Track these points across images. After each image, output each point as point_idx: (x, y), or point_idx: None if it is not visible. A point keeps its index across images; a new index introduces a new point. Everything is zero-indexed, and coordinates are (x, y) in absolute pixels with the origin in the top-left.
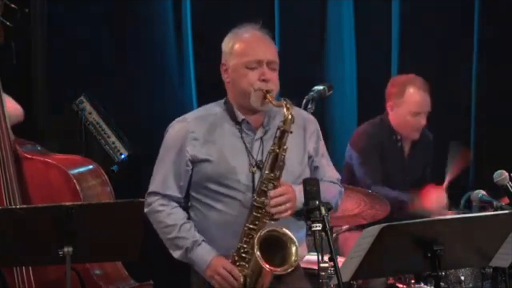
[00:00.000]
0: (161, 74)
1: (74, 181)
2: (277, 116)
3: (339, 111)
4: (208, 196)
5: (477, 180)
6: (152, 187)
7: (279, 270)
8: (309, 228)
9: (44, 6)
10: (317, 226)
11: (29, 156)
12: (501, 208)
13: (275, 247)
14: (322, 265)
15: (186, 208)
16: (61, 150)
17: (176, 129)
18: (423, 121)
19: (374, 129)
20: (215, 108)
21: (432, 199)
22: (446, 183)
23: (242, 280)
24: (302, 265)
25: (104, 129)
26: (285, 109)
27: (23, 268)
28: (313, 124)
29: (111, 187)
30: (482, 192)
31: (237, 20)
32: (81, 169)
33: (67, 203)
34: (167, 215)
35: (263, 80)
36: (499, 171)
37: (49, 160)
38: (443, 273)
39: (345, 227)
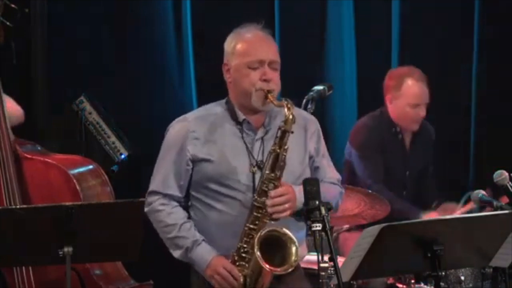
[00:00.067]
0: (161, 74)
1: (74, 181)
2: (278, 116)
3: (339, 111)
4: (208, 196)
5: (477, 180)
6: (152, 187)
7: (279, 270)
8: (309, 228)
9: (44, 6)
10: (317, 226)
11: (29, 156)
12: (501, 208)
13: (275, 247)
14: (322, 265)
15: (186, 208)
16: (61, 150)
17: (176, 128)
18: (422, 112)
19: (374, 122)
20: (216, 108)
21: None
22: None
23: (242, 280)
24: (302, 265)
25: (104, 129)
26: (286, 109)
27: (23, 268)
28: (314, 125)
29: (111, 187)
30: (482, 192)
31: (237, 20)
32: (81, 169)
33: (67, 203)
34: (167, 215)
35: (265, 80)
36: (499, 171)
37: (49, 160)
38: (443, 273)
39: (345, 226)
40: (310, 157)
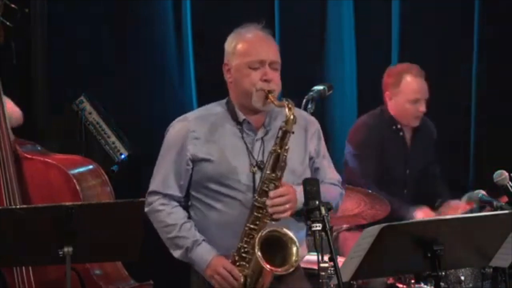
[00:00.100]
0: (161, 74)
1: (74, 181)
2: (278, 117)
3: (339, 111)
4: (209, 196)
5: (477, 180)
6: (152, 186)
7: (279, 270)
8: (309, 228)
9: (44, 6)
10: (317, 226)
11: (29, 156)
12: (501, 208)
13: (275, 247)
14: (322, 265)
15: (186, 208)
16: (61, 150)
17: (177, 128)
18: (422, 107)
19: (375, 120)
20: (216, 108)
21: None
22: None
23: (242, 280)
24: (302, 265)
25: (104, 129)
26: (287, 110)
27: (23, 268)
28: (314, 125)
29: (111, 187)
30: (482, 192)
31: (237, 20)
32: (81, 169)
33: (67, 203)
34: (168, 215)
35: (265, 80)
36: (499, 171)
37: (49, 160)
38: (443, 273)
39: (345, 226)
40: (310, 158)
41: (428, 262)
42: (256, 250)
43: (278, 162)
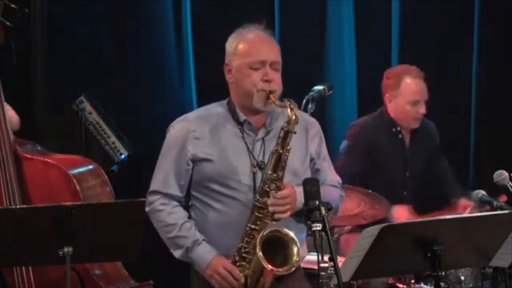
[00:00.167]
0: (161, 74)
1: (74, 181)
2: (279, 117)
3: (339, 111)
4: (209, 196)
5: (477, 180)
6: (153, 186)
7: (281, 271)
8: (309, 228)
9: (44, 6)
10: (317, 226)
11: (29, 156)
12: (501, 208)
13: (276, 247)
14: (322, 265)
15: (186, 208)
16: (61, 150)
17: (177, 128)
18: (421, 109)
19: (374, 121)
20: (217, 108)
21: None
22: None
23: (243, 280)
24: (302, 265)
25: (104, 129)
26: (289, 110)
27: (23, 268)
28: (315, 127)
29: (111, 187)
30: (482, 192)
31: (237, 20)
32: (81, 169)
33: (67, 203)
34: (168, 214)
35: (266, 81)
36: (499, 171)
37: (49, 160)
38: (443, 273)
39: (346, 228)
40: (311, 159)
41: (428, 262)
42: (258, 250)
43: (279, 162)
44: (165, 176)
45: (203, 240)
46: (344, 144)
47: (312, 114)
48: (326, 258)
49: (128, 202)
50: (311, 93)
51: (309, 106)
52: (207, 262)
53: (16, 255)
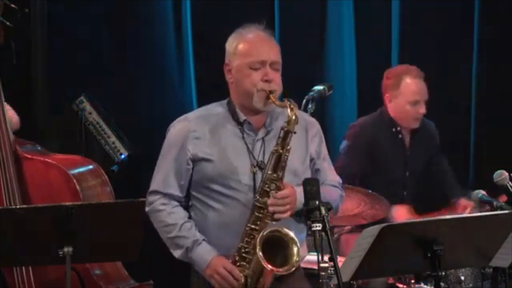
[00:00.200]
0: (161, 74)
1: (74, 181)
2: (279, 117)
3: (339, 111)
4: (209, 196)
5: (477, 180)
6: (153, 186)
7: (281, 271)
8: (309, 228)
9: (44, 6)
10: (317, 226)
11: (29, 156)
12: (501, 208)
13: (277, 247)
14: (322, 265)
15: (186, 208)
16: (61, 150)
17: (177, 128)
18: (421, 109)
19: (374, 121)
20: (217, 108)
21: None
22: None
23: (243, 280)
24: (302, 265)
25: (104, 129)
26: (289, 110)
27: (23, 268)
28: (315, 127)
29: (111, 187)
30: (482, 192)
31: (237, 20)
32: (81, 169)
33: (67, 203)
34: (168, 214)
35: (266, 81)
36: (499, 171)
37: (49, 160)
38: (443, 273)
39: (346, 228)
40: (311, 159)
41: (428, 262)
42: (258, 250)
43: (279, 162)
44: (165, 176)
45: (203, 240)
46: (344, 144)
47: (312, 114)
48: (326, 258)
49: (128, 202)
50: (311, 93)
51: (309, 106)
52: (207, 262)
53: (16, 255)
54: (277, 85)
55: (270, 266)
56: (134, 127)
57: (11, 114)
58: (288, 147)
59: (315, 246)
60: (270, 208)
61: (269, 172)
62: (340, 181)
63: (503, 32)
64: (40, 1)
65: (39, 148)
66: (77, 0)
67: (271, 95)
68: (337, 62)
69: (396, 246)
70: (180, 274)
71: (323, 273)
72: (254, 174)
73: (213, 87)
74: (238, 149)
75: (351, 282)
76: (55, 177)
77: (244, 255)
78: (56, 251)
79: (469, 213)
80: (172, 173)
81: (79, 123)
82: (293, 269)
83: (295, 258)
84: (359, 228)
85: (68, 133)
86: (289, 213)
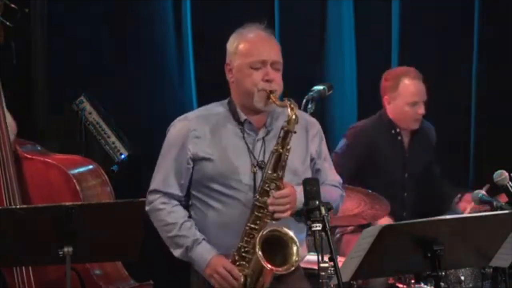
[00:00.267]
0: (161, 74)
1: (74, 181)
2: (280, 117)
3: (339, 111)
4: (209, 196)
5: (477, 180)
6: (153, 185)
7: (280, 270)
8: (309, 228)
9: (44, 6)
10: (317, 226)
11: (29, 156)
12: (501, 208)
13: (276, 247)
14: (322, 265)
15: (187, 207)
16: (61, 150)
17: (177, 127)
18: (420, 110)
19: (374, 123)
20: (217, 108)
21: None
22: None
23: (242, 279)
24: (302, 265)
25: (104, 129)
26: (289, 109)
27: (23, 268)
28: (316, 126)
29: (111, 187)
30: (482, 192)
31: (237, 20)
32: (81, 169)
33: (67, 203)
34: (168, 214)
35: (267, 81)
36: (499, 171)
37: (49, 160)
38: (443, 273)
39: (349, 228)
40: (312, 159)
41: (428, 262)
42: (257, 249)
43: (279, 162)
44: (165, 175)
45: (203, 239)
46: (341, 143)
47: (312, 114)
48: (326, 258)
49: (128, 202)
50: (311, 93)
51: (309, 106)
52: (207, 261)
53: (16, 255)
54: (277, 85)
55: (269, 266)
56: (134, 127)
57: (10, 121)
58: (288, 147)
59: (315, 246)
60: (270, 208)
61: (269, 171)
62: (341, 181)
63: (503, 32)
64: (40, 1)
65: (39, 148)
66: (77, 0)
67: (271, 95)
68: (337, 62)
69: (396, 246)
70: (180, 274)
71: (323, 273)
72: (254, 174)
73: (213, 87)
74: (238, 148)
75: (351, 282)
76: (55, 177)
77: (243, 254)
78: (56, 251)
79: (469, 213)
80: (172, 173)
81: (79, 123)
82: (293, 268)
83: (294, 257)
84: (361, 228)
85: (68, 133)
86: (289, 212)
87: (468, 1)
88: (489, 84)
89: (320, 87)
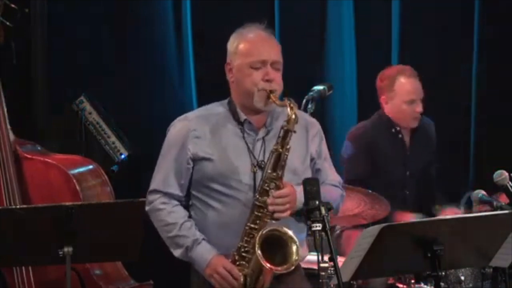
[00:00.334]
0: (161, 74)
1: (74, 181)
2: (280, 117)
3: (339, 111)
4: (209, 196)
5: (477, 180)
6: (153, 185)
7: (280, 269)
8: (309, 228)
9: (44, 6)
10: (317, 226)
11: (29, 156)
12: (501, 208)
13: (276, 246)
14: (322, 265)
15: (187, 207)
16: (61, 150)
17: (177, 127)
18: (418, 108)
19: (374, 123)
20: (217, 108)
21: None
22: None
23: (242, 279)
24: (302, 265)
25: (104, 129)
26: (289, 109)
27: (23, 268)
28: (316, 126)
29: (111, 187)
30: (482, 192)
31: (237, 20)
32: (81, 169)
33: (67, 203)
34: (168, 214)
35: (267, 80)
36: (499, 171)
37: (49, 160)
38: (443, 273)
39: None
40: (312, 159)
41: (428, 262)
42: (257, 249)
43: (279, 161)
44: (165, 175)
45: (203, 239)
46: (346, 147)
47: (312, 114)
48: (326, 258)
49: (128, 202)
50: (311, 93)
51: (309, 106)
52: (207, 261)
53: (16, 255)
54: (277, 84)
55: (269, 265)
56: (134, 127)
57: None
58: (288, 146)
59: (315, 246)
60: (270, 207)
61: (269, 171)
62: (341, 180)
63: (503, 32)
64: (40, 1)
65: (39, 148)
66: (77, 0)
67: (271, 95)
68: (337, 62)
69: (396, 246)
70: (180, 274)
71: (323, 273)
72: (254, 173)
73: (213, 87)
74: (238, 148)
75: (351, 282)
76: (55, 177)
77: (243, 254)
78: (56, 251)
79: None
80: (172, 173)
81: (79, 123)
82: (292, 267)
83: (294, 257)
84: (362, 225)
85: (68, 133)
86: (289, 212)
87: (468, 1)
88: (489, 84)
89: (320, 87)
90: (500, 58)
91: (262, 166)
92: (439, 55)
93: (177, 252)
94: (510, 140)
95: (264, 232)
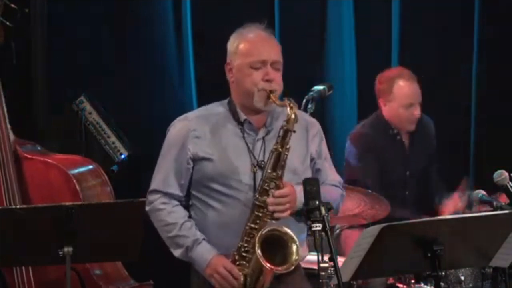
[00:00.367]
0: (161, 74)
1: (74, 181)
2: (280, 117)
3: (339, 111)
4: (209, 196)
5: (477, 180)
6: (153, 185)
7: (280, 269)
8: (309, 228)
9: (44, 6)
10: (317, 226)
11: (29, 156)
12: (501, 208)
13: (276, 246)
14: (322, 265)
15: (187, 207)
16: (61, 150)
17: (177, 127)
18: (416, 112)
19: (372, 124)
20: (217, 108)
21: None
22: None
23: (242, 279)
24: (302, 265)
25: (104, 129)
26: (288, 109)
27: (23, 268)
28: (316, 126)
29: (111, 187)
30: (482, 192)
31: (237, 20)
32: (81, 169)
33: (67, 203)
34: (168, 214)
35: (267, 80)
36: (499, 171)
37: (49, 160)
38: (443, 273)
39: (347, 224)
40: (312, 159)
41: (428, 262)
42: (257, 248)
43: (279, 161)
44: (165, 175)
45: (203, 239)
46: (350, 152)
47: (312, 114)
48: (326, 258)
49: (128, 202)
50: (311, 93)
51: (309, 106)
52: (207, 261)
53: (16, 255)
54: (277, 84)
55: (269, 265)
56: (134, 127)
57: None
58: (288, 146)
59: (315, 246)
60: (270, 207)
61: (269, 171)
62: (341, 180)
63: (503, 32)
64: (40, 1)
65: (39, 148)
66: (77, 0)
67: (271, 95)
68: (337, 62)
69: (396, 246)
70: (180, 274)
71: (323, 273)
72: (254, 173)
73: (213, 87)
74: (238, 148)
75: (351, 282)
76: (55, 177)
77: (243, 254)
78: (56, 251)
79: (453, 213)
80: (172, 173)
81: (79, 123)
82: (292, 267)
83: (294, 256)
84: (361, 225)
85: (68, 133)
86: (289, 212)
87: (468, 1)
88: (489, 84)
89: (320, 87)
90: (500, 58)
91: (262, 166)
92: (439, 55)
93: (177, 252)
94: (510, 140)
95: (264, 232)
